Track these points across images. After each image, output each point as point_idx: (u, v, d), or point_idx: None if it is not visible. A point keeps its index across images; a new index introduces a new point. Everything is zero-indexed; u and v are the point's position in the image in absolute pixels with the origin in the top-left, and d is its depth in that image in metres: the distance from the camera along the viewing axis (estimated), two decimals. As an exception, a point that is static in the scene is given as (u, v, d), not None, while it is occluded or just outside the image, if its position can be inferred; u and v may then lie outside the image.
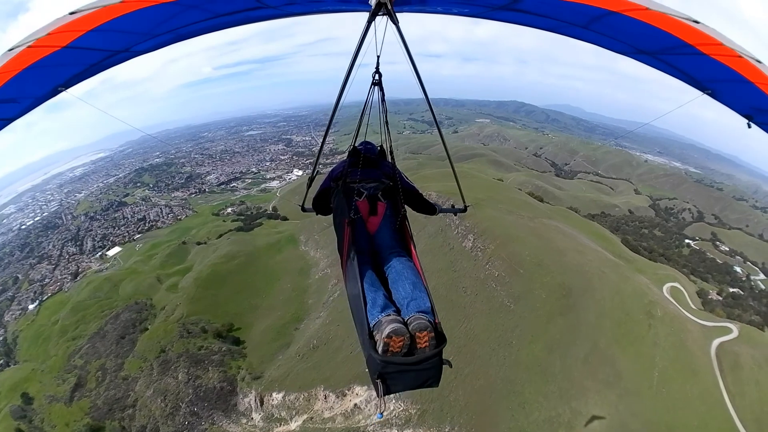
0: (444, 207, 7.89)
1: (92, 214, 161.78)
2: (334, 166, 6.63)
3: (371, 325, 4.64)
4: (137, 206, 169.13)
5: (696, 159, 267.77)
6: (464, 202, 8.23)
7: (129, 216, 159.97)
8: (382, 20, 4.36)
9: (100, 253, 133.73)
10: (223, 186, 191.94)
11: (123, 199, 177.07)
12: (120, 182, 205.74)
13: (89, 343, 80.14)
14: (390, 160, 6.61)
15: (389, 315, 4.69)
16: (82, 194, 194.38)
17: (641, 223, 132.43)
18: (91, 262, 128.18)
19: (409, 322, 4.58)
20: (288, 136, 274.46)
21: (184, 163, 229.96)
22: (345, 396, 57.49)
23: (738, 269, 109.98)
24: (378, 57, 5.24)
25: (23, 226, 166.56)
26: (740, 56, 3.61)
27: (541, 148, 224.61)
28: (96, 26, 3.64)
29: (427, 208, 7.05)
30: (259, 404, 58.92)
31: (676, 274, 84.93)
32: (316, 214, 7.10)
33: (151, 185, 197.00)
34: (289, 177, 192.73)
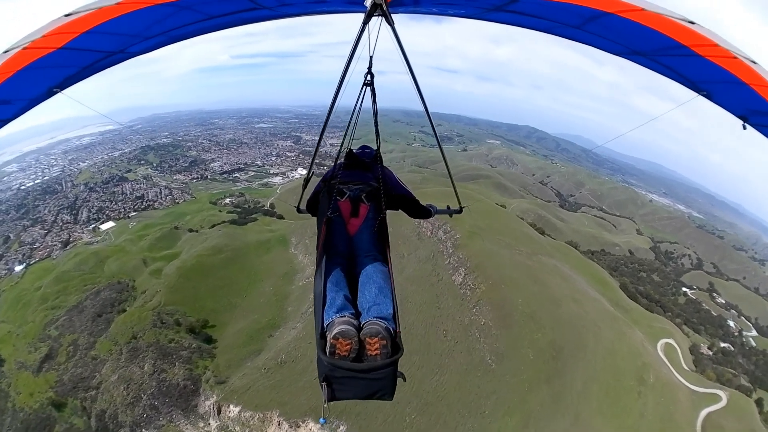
0: (439, 209, 7.79)
1: (92, 185, 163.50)
2: (330, 168, 6.58)
3: (325, 325, 4.58)
4: (138, 183, 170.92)
5: (700, 204, 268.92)
6: (459, 203, 8.10)
7: (128, 192, 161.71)
8: (377, 22, 4.45)
9: (93, 226, 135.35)
10: (225, 175, 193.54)
11: (125, 175, 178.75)
12: (124, 157, 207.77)
13: (67, 315, 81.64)
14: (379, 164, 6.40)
15: (343, 316, 4.61)
16: (86, 164, 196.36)
17: (640, 266, 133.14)
18: (83, 233, 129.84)
19: (363, 326, 4.49)
20: (298, 134, 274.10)
21: (190, 146, 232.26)
22: (298, 428, 56.38)
23: (731, 323, 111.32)
24: (371, 57, 5.28)
25: (23, 187, 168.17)
26: (735, 57, 3.64)
27: (548, 177, 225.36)
28: (91, 28, 3.71)
29: (423, 212, 6.96)
30: (216, 413, 59.41)
31: (671, 327, 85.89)
32: (312, 216, 7.00)
33: (155, 164, 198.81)
34: (292, 175, 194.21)
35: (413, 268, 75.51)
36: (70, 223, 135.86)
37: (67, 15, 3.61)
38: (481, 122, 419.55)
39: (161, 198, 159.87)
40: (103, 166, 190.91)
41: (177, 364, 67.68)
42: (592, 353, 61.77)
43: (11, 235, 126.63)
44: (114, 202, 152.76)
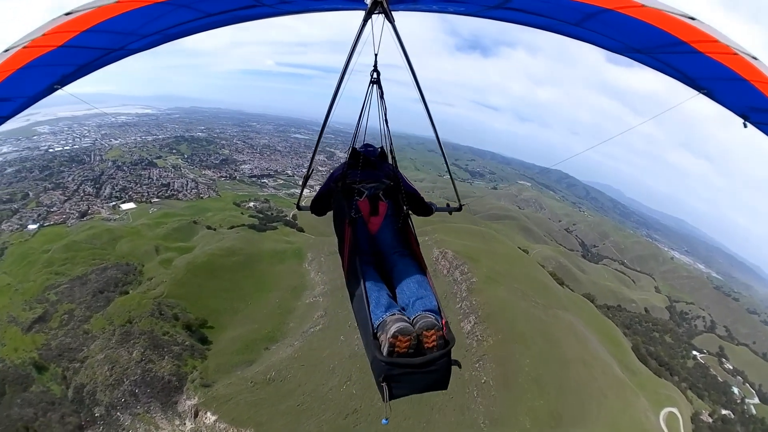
0: (440, 206, 8.03)
1: (120, 164, 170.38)
2: (335, 168, 6.86)
3: (375, 326, 4.66)
4: (165, 171, 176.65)
5: (720, 264, 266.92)
6: (459, 201, 8.38)
7: (154, 178, 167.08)
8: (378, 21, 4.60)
9: (114, 203, 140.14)
10: (254, 179, 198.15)
11: (154, 160, 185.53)
12: (157, 143, 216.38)
13: (69, 284, 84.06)
14: (390, 162, 6.80)
15: (394, 314, 4.71)
16: (118, 141, 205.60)
17: (654, 326, 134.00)
18: (102, 208, 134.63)
19: (414, 321, 4.65)
20: (332, 150, 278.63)
21: (224, 144, 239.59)
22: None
23: (736, 390, 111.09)
24: (375, 55, 5.52)
25: (51, 150, 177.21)
26: (736, 53, 3.68)
27: (574, 224, 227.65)
28: (91, 26, 3.88)
29: (425, 209, 7.17)
30: (193, 415, 59.49)
31: (676, 394, 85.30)
32: (312, 213, 7.37)
33: (186, 156, 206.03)
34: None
35: None
36: (91, 195, 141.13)
37: (67, 14, 3.85)
38: (515, 162, 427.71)
39: (186, 190, 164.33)
40: (135, 147, 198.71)
41: (166, 357, 68.25)
42: (593, 424, 60.13)
43: (30, 193, 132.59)
44: (139, 185, 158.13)
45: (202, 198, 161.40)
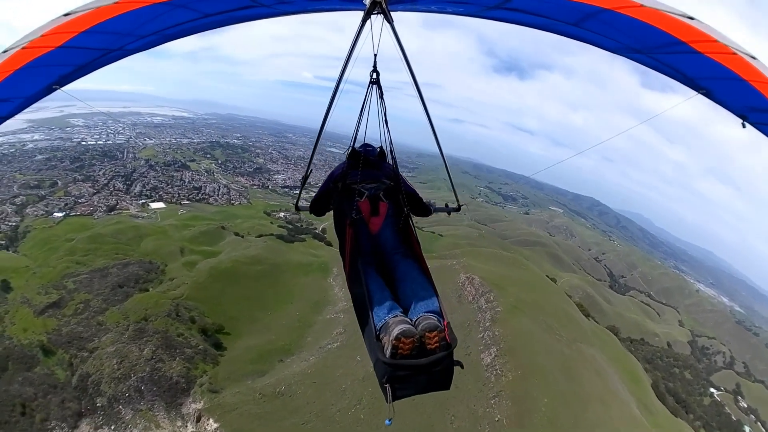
0: (438, 206, 8.23)
1: (153, 163, 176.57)
2: (333, 168, 7.08)
3: (377, 328, 4.84)
4: (198, 175, 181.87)
5: (743, 297, 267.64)
6: (458, 201, 8.61)
7: (186, 180, 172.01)
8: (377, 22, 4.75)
9: (143, 201, 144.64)
10: (287, 189, 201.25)
11: (188, 163, 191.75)
12: (192, 146, 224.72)
13: (89, 274, 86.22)
14: (390, 161, 6.92)
15: (397, 316, 4.89)
16: (152, 141, 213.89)
17: (675, 361, 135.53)
18: (131, 204, 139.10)
19: (417, 322, 4.79)
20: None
21: (259, 153, 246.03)
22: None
23: (747, 429, 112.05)
24: (375, 55, 5.67)
25: (84, 143, 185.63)
26: (735, 53, 3.78)
27: (603, 254, 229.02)
28: (90, 27, 4.02)
29: (424, 210, 7.34)
30: (195, 420, 59.44)
31: None
32: (310, 213, 7.78)
33: (220, 161, 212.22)
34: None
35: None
36: (121, 191, 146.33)
37: (65, 15, 3.93)
38: (548, 187, 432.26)
39: (217, 195, 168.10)
40: (169, 148, 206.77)
41: (177, 358, 68.45)
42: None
43: (59, 182, 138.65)
44: (170, 185, 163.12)
45: (232, 204, 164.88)
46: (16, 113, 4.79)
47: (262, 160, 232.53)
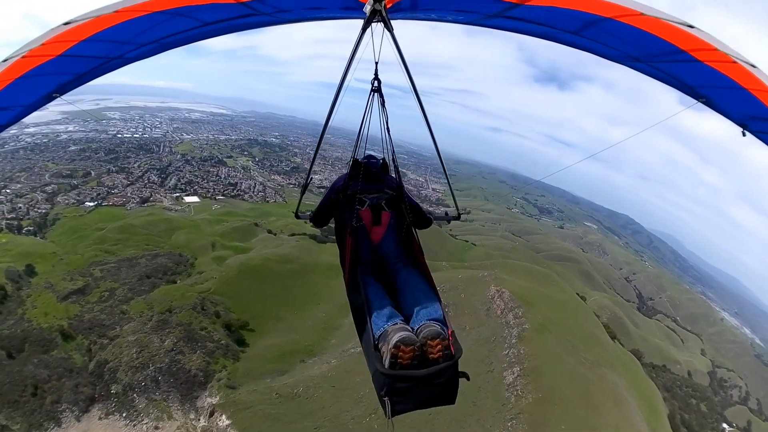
0: (438, 215, 8.26)
1: (189, 158, 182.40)
2: (336, 179, 7.04)
3: (376, 337, 4.71)
4: (234, 171, 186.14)
5: (765, 330, 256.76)
6: (458, 209, 8.48)
7: (222, 176, 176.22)
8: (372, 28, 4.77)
9: (177, 195, 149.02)
10: (322, 189, 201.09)
11: (225, 159, 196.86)
12: (229, 143, 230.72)
13: (117, 263, 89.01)
14: (392, 173, 6.96)
15: (396, 324, 4.75)
16: (189, 136, 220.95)
17: (693, 392, 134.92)
18: (165, 197, 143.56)
19: (418, 331, 4.64)
20: (404, 170, 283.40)
21: (297, 153, 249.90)
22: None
23: None
24: (376, 63, 5.77)
25: (119, 135, 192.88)
26: (734, 61, 3.79)
27: (634, 274, 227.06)
28: (89, 36, 4.12)
29: (424, 221, 7.22)
30: (208, 415, 59.77)
31: None
32: (312, 226, 7.82)
33: (257, 159, 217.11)
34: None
35: (468, 345, 70.54)
36: (155, 184, 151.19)
37: (65, 24, 4.03)
38: (583, 202, 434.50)
39: (252, 192, 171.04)
40: (206, 144, 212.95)
41: (198, 352, 69.45)
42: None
43: (93, 172, 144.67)
44: (206, 180, 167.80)
45: (267, 202, 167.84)
46: (15, 121, 4.87)
47: (300, 160, 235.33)
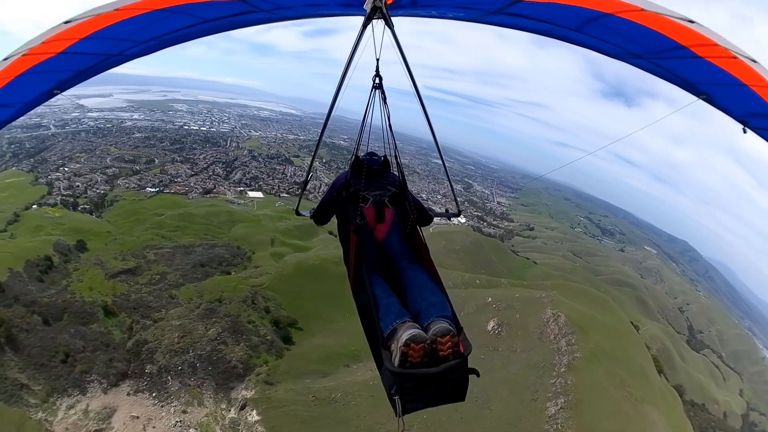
0: (438, 212, 8.22)
1: (256, 154, 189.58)
2: (337, 177, 7.24)
3: (384, 335, 4.70)
4: (301, 170, 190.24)
5: None
6: (458, 206, 8.62)
7: (288, 174, 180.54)
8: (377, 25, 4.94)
9: (241, 189, 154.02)
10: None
11: (291, 158, 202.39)
12: (297, 142, 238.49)
13: (172, 249, 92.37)
14: (393, 171, 7.13)
15: (405, 321, 4.73)
16: (257, 133, 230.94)
17: None
18: (228, 190, 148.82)
19: (428, 328, 4.63)
20: (470, 181, 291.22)
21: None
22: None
23: None
24: (377, 60, 5.97)
25: (186, 127, 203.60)
26: (735, 57, 3.81)
27: (688, 304, 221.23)
28: (89, 34, 4.20)
29: (426, 218, 7.24)
30: (239, 407, 60.09)
31: None
32: (312, 220, 7.70)
33: (324, 160, 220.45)
34: (454, 219, 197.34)
35: (516, 370, 72.03)
36: (220, 176, 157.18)
37: (66, 22, 4.17)
38: (645, 225, 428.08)
39: (317, 192, 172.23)
40: (274, 142, 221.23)
41: (242, 344, 69.70)
42: None
43: (156, 160, 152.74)
44: (271, 177, 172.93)
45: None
46: (16, 118, 4.93)
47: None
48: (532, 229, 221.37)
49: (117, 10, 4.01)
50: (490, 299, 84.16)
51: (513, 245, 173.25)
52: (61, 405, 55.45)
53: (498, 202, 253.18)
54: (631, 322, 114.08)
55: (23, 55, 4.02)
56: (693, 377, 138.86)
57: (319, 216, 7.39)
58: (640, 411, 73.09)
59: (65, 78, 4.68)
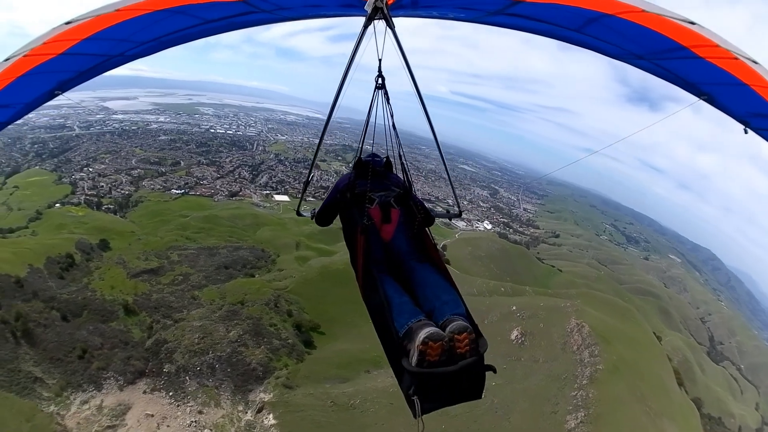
0: (439, 212, 8.34)
1: (282, 158, 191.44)
2: (339, 178, 7.39)
3: (400, 335, 4.68)
4: (327, 175, 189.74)
5: None
6: (458, 207, 8.71)
7: (315, 178, 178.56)
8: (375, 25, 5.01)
9: (267, 192, 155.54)
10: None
11: (318, 162, 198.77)
12: (324, 147, 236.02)
13: (196, 251, 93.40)
14: (396, 172, 7.31)
15: (420, 320, 4.70)
16: (284, 137, 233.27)
17: None
18: (254, 193, 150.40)
19: (444, 325, 4.62)
20: (496, 187, 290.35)
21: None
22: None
23: None
24: (380, 60, 6.01)
25: (212, 130, 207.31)
26: (736, 58, 3.85)
27: (709, 315, 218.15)
28: (91, 35, 4.25)
29: (428, 219, 7.08)
30: (256, 410, 60.05)
31: None
32: (316, 224, 7.89)
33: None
34: (477, 225, 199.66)
35: (537, 381, 70.78)
36: (246, 180, 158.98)
37: (67, 23, 4.22)
38: (670, 233, 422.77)
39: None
40: (300, 146, 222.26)
41: (263, 347, 69.69)
42: None
43: (182, 162, 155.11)
44: (297, 181, 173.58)
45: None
46: (17, 119, 4.98)
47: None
48: (557, 236, 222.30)
49: (118, 10, 4.07)
50: (514, 308, 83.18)
51: (538, 252, 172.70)
52: (74, 400, 56.05)
53: (524, 209, 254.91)
54: (654, 333, 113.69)
55: (24, 56, 4.07)
56: (711, 390, 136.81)
57: (322, 217, 7.49)
58: (658, 426, 72.57)
59: (66, 78, 4.75)
